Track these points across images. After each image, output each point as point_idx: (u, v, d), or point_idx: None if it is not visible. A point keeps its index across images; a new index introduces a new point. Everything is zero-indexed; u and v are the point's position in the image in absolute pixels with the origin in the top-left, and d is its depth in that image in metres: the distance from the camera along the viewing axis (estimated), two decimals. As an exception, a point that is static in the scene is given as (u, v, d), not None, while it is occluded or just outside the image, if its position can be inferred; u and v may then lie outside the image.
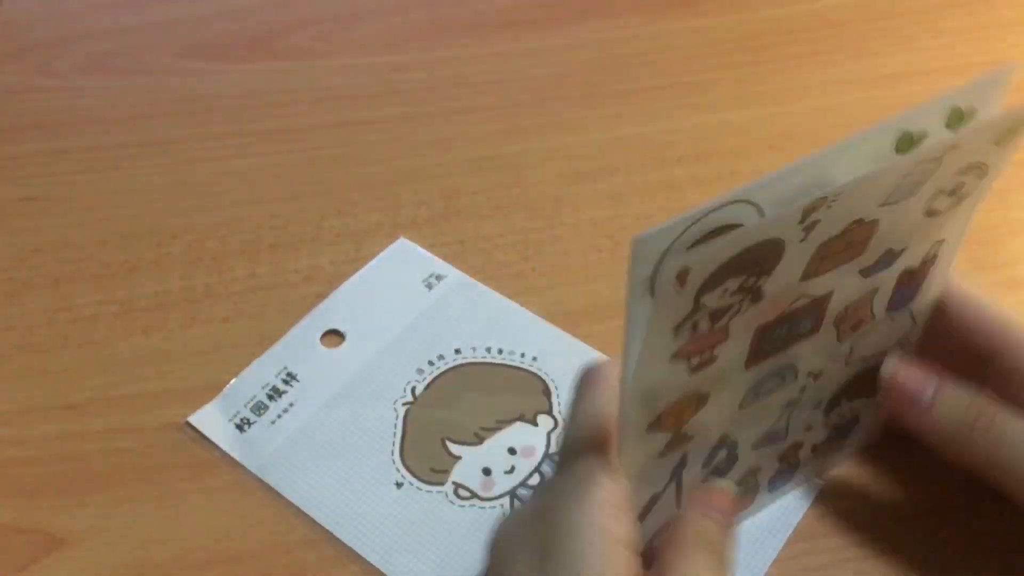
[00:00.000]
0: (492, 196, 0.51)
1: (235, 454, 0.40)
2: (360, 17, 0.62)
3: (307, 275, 0.47)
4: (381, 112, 0.55)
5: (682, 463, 0.33)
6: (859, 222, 0.30)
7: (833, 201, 0.28)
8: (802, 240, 0.29)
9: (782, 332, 0.32)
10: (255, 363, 0.43)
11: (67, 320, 0.45)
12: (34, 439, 0.41)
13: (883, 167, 0.28)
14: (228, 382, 0.42)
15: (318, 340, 0.44)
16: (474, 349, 0.44)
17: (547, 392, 0.42)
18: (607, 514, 0.28)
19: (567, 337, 0.44)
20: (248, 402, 0.42)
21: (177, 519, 0.38)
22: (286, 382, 0.42)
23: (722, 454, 0.34)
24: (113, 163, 0.52)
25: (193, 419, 0.41)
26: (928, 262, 0.34)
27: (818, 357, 0.33)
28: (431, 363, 0.43)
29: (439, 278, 0.46)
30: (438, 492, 0.39)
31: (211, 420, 0.41)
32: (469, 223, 0.49)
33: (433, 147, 0.53)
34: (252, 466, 0.40)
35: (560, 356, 0.43)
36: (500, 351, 0.44)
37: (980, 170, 0.32)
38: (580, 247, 0.48)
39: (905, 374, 0.34)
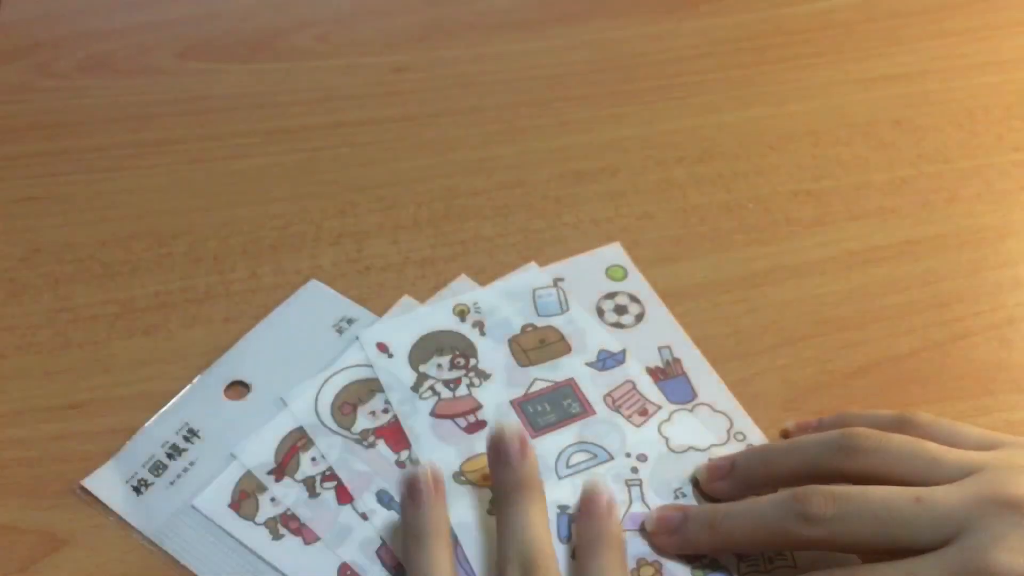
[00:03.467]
0: (493, 196, 0.51)
1: (130, 519, 0.38)
2: (360, 17, 0.62)
3: (308, 275, 0.47)
4: (381, 112, 0.55)
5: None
6: (532, 327, 0.44)
7: (475, 306, 0.44)
8: (483, 334, 0.43)
9: (546, 408, 0.41)
10: (155, 418, 0.41)
11: (67, 320, 0.45)
12: (34, 439, 0.41)
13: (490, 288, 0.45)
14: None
15: (221, 392, 0.42)
16: None
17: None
18: None
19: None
20: (146, 462, 0.40)
21: (178, 519, 0.38)
22: (187, 439, 0.40)
23: None
24: (114, 163, 0.52)
25: (87, 482, 0.39)
26: (673, 364, 0.43)
27: (623, 439, 0.40)
28: None
29: (350, 322, 0.45)
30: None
31: (106, 483, 0.39)
32: (470, 223, 0.49)
33: (433, 147, 0.53)
34: (148, 531, 0.38)
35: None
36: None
37: (631, 298, 0.45)
38: (581, 247, 0.48)
39: (659, 519, 0.38)
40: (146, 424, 0.41)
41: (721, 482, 0.38)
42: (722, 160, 0.52)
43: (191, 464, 0.40)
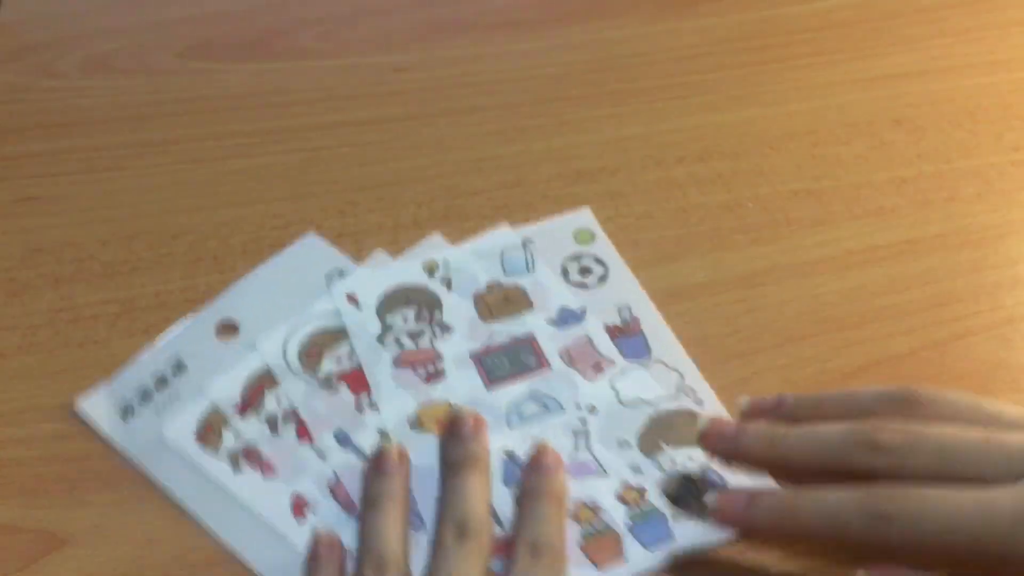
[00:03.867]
0: (493, 196, 0.51)
1: (118, 441, 0.40)
2: (360, 17, 0.62)
3: (307, 275, 0.47)
4: (381, 112, 0.55)
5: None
6: (498, 284, 0.45)
7: (445, 263, 0.46)
8: (449, 289, 0.45)
9: (503, 362, 0.42)
10: (149, 351, 0.43)
11: (68, 320, 0.45)
12: (34, 439, 0.41)
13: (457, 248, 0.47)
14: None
15: (213, 332, 0.44)
16: None
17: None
18: None
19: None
20: (135, 390, 0.42)
21: (177, 518, 0.39)
22: (175, 372, 0.42)
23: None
24: (114, 163, 0.52)
25: (82, 402, 0.41)
26: (631, 322, 0.44)
27: (575, 392, 0.42)
28: None
29: (342, 274, 0.46)
30: None
31: (98, 406, 0.41)
32: (470, 223, 0.49)
33: (433, 147, 0.53)
34: (134, 455, 0.40)
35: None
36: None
37: (596, 260, 0.46)
38: (580, 247, 0.48)
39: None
40: (141, 355, 0.43)
41: (762, 416, 0.38)
42: (722, 160, 0.52)
43: (176, 395, 0.42)
